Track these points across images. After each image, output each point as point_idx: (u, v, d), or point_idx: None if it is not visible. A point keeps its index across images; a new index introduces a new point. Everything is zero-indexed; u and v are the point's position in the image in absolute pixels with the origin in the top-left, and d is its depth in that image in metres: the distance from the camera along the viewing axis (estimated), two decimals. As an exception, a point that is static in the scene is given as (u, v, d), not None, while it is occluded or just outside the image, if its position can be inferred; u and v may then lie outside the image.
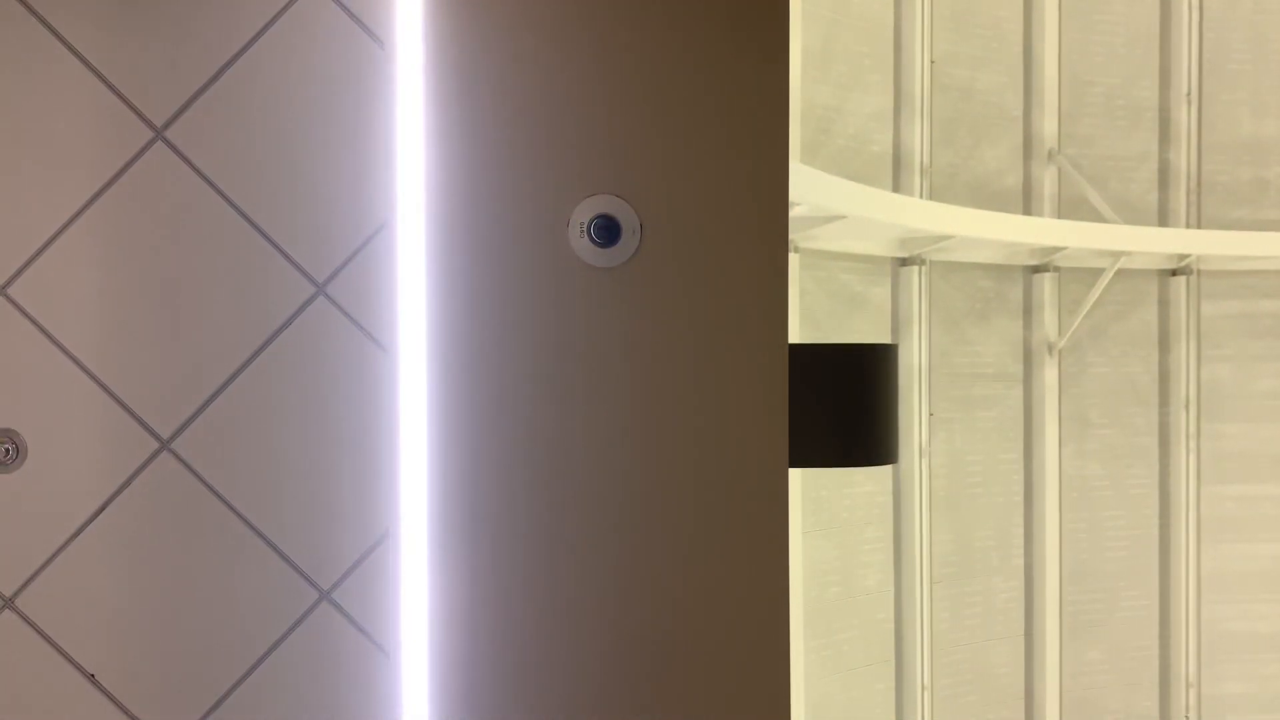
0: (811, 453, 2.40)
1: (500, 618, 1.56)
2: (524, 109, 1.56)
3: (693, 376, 1.57)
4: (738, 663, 1.56)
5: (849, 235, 4.36)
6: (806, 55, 4.37)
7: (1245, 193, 5.25)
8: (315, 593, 1.65)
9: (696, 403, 1.57)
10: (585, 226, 1.55)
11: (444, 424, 1.58)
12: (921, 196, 4.69)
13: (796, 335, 4.31)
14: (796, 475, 4.27)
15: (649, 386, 1.56)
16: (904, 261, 4.70)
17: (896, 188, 4.68)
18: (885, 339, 4.67)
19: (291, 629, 1.64)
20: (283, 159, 1.64)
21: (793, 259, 4.31)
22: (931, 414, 4.77)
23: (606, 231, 1.55)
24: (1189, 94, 5.18)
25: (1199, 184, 5.21)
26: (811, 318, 4.41)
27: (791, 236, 4.22)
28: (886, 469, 4.67)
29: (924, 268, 4.71)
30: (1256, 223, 5.20)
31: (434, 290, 1.59)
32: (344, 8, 1.63)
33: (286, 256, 1.65)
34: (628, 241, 1.55)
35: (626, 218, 1.55)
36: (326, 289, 1.66)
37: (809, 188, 3.83)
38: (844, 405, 2.30)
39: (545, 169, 1.57)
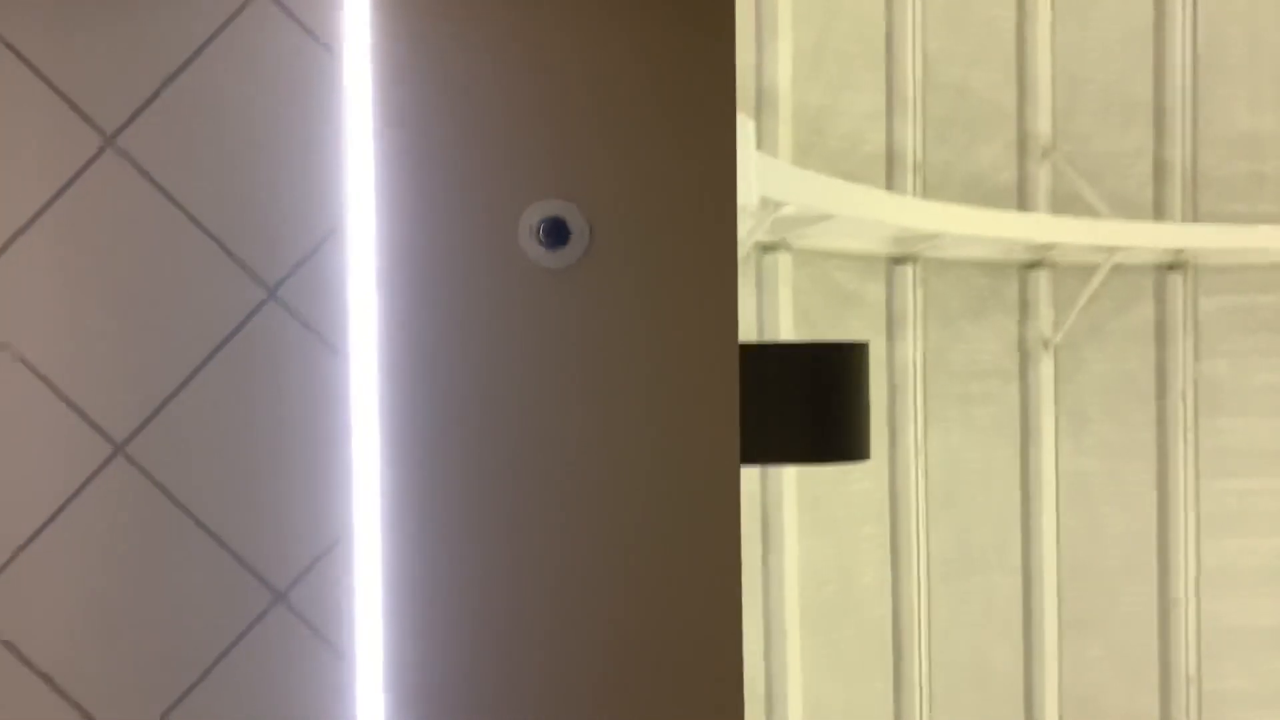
0: (781, 450, 2.43)
1: (454, 618, 1.57)
2: (471, 112, 1.57)
3: (644, 376, 1.58)
4: (692, 663, 1.57)
5: (843, 233, 4.36)
6: (798, 55, 4.37)
7: (1241, 187, 5.22)
8: (270, 595, 1.66)
9: (648, 402, 1.58)
10: (534, 229, 1.56)
11: (396, 425, 1.59)
12: (915, 194, 4.68)
13: (791, 334, 4.31)
14: (792, 475, 4.26)
15: (600, 386, 1.58)
16: (898, 259, 4.70)
17: (890, 186, 4.68)
18: (880, 337, 4.66)
19: (246, 631, 1.65)
20: (234, 165, 1.65)
21: (786, 258, 4.31)
22: (928, 411, 4.77)
23: (555, 233, 1.56)
24: (1183, 89, 5.15)
25: (1194, 179, 5.18)
26: (806, 316, 4.41)
27: (785, 235, 4.22)
28: (884, 467, 4.66)
29: (918, 265, 4.70)
30: (1252, 217, 5.17)
31: (384, 293, 1.60)
32: (292, 15, 1.65)
33: (238, 261, 1.66)
34: (577, 243, 1.56)
35: (575, 219, 1.57)
36: (278, 293, 1.67)
37: (802, 188, 3.83)
38: (810, 404, 2.33)
39: (493, 171, 1.58)
